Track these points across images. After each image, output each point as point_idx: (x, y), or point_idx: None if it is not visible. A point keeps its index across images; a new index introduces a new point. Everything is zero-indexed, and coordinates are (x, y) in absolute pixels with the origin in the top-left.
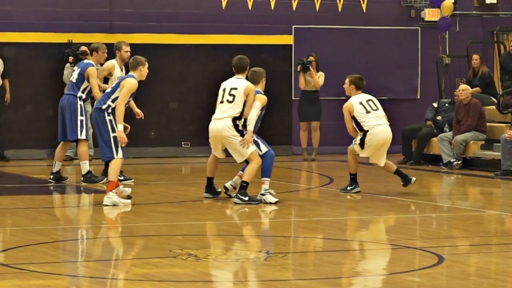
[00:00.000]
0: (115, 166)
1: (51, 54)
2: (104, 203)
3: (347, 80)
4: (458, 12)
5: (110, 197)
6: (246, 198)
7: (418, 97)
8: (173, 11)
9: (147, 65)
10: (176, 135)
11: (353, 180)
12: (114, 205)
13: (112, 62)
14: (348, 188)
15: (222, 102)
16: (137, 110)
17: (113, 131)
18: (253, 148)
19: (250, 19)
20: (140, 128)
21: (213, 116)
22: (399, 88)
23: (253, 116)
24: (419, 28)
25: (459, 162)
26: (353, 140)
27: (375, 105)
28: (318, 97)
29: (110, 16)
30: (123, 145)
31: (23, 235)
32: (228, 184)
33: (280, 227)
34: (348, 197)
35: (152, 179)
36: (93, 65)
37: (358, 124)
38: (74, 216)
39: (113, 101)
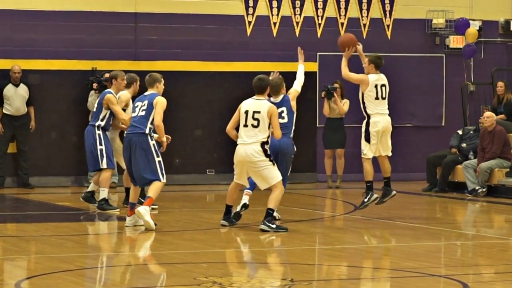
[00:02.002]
0: (158, 187)
1: (75, 81)
2: (139, 209)
3: (366, 60)
4: (482, 39)
5: (147, 210)
6: (274, 226)
7: (443, 124)
8: (198, 38)
9: (163, 81)
10: (201, 162)
11: (369, 187)
12: (143, 220)
13: (128, 94)
14: (365, 200)
15: (246, 126)
16: None
17: (157, 155)
18: (279, 177)
19: (275, 46)
20: (164, 156)
21: (240, 141)
22: (424, 115)
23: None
24: (444, 55)
25: (484, 190)
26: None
27: (385, 92)
28: (342, 124)
29: (134, 44)
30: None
31: (47, 263)
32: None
33: (305, 255)
34: (372, 225)
35: (176, 206)
36: (111, 93)
37: (363, 103)
38: (98, 243)
39: (152, 123)
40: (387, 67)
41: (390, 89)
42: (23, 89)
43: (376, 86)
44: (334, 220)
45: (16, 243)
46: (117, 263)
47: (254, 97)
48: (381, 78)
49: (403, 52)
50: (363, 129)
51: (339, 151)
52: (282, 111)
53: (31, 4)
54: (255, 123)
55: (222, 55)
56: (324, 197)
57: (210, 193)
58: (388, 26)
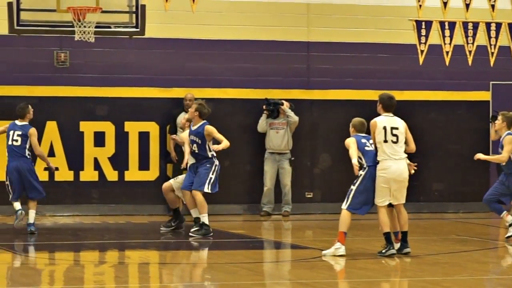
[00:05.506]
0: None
1: (248, 110)
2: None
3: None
4: None
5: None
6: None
7: None
8: (371, 67)
9: None
10: None
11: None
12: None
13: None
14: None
15: (386, 141)
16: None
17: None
18: None
19: (447, 75)
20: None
21: (385, 157)
22: None
23: None
24: None
25: None
26: None
27: None
28: None
29: (307, 72)
30: None
31: None
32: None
33: (479, 285)
34: None
35: (350, 235)
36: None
37: None
38: (272, 271)
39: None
40: None
41: None
42: None
43: None
44: (508, 250)
45: (190, 271)
46: None
47: (384, 114)
48: None
49: None
50: None
51: None
52: None
53: (205, 34)
54: (394, 139)
55: (395, 84)
56: (497, 226)
57: None
58: None
